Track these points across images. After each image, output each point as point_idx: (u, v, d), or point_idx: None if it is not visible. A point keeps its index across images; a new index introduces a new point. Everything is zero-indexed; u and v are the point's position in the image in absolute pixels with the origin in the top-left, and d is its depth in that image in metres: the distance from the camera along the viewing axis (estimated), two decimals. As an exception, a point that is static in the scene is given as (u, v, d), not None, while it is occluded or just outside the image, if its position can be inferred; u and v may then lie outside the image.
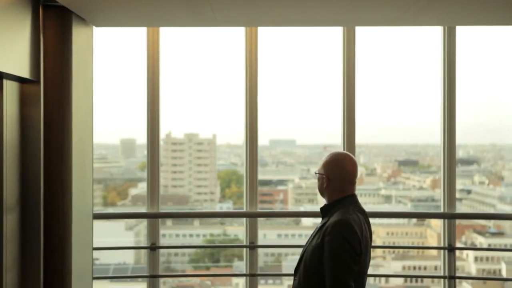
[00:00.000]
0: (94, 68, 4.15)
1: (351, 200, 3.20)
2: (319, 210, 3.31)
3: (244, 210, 5.24)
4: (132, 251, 17.05)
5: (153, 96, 5.18)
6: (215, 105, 19.85)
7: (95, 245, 4.40)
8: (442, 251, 5.12)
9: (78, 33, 3.79)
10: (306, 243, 3.25)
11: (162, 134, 17.06)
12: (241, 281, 17.22)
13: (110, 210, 18.17)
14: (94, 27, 4.03)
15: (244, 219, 5.31)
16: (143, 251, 5.07)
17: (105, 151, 19.76)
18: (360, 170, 13.91)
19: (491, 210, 16.57)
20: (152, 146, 5.16)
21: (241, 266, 17.72)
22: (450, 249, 5.07)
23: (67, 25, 3.69)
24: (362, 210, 3.20)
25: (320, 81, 17.94)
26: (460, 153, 17.66)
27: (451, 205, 5.14)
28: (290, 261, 16.83)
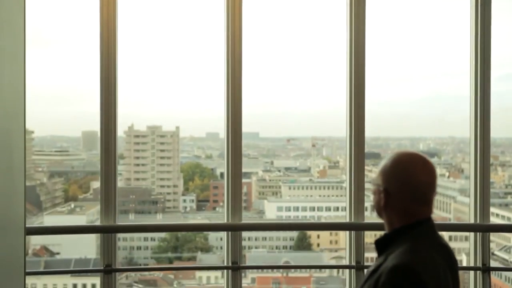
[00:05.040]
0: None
1: (424, 229, 1.96)
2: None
3: (225, 221, 3.99)
4: (94, 242, 15.74)
5: (108, 79, 3.90)
6: (179, 95, 18.50)
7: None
8: (472, 272, 3.95)
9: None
10: None
11: (125, 127, 15.79)
12: (204, 275, 16.10)
13: (71, 204, 16.86)
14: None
15: (225, 232, 4.06)
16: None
17: (66, 143, 18.57)
18: (323, 163, 12.62)
19: (451, 202, 15.87)
20: (107, 140, 3.84)
21: (204, 258, 16.64)
22: (485, 269, 3.90)
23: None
24: (441, 245, 1.97)
25: (290, 67, 16.67)
26: (420, 146, 16.91)
27: (484, 215, 3.96)
28: (254, 253, 15.81)
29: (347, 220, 4.22)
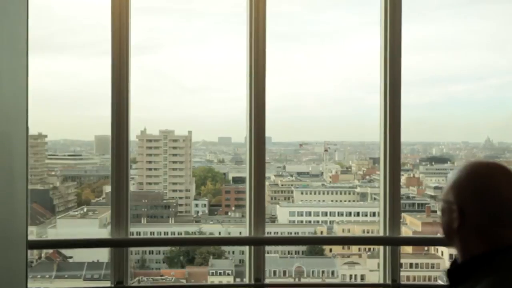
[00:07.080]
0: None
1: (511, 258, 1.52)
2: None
3: (247, 235, 3.53)
4: (105, 249, 15.35)
5: (120, 84, 3.46)
6: (192, 99, 18.14)
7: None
8: None
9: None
10: None
11: (137, 131, 15.45)
12: (216, 279, 15.68)
13: (84, 208, 16.52)
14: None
15: (247, 247, 3.60)
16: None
17: (79, 148, 18.34)
18: (335, 168, 12.12)
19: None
20: (119, 146, 3.39)
21: (216, 264, 16.19)
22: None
23: None
24: None
25: (302, 72, 16.25)
26: (434, 151, 16.50)
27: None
28: (266, 258, 15.40)
29: (382, 234, 3.76)
